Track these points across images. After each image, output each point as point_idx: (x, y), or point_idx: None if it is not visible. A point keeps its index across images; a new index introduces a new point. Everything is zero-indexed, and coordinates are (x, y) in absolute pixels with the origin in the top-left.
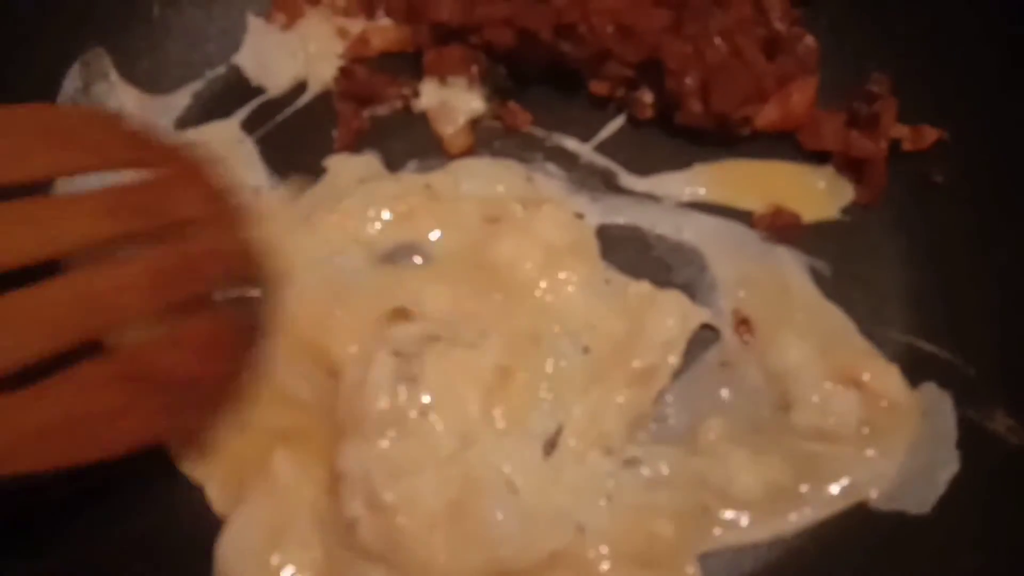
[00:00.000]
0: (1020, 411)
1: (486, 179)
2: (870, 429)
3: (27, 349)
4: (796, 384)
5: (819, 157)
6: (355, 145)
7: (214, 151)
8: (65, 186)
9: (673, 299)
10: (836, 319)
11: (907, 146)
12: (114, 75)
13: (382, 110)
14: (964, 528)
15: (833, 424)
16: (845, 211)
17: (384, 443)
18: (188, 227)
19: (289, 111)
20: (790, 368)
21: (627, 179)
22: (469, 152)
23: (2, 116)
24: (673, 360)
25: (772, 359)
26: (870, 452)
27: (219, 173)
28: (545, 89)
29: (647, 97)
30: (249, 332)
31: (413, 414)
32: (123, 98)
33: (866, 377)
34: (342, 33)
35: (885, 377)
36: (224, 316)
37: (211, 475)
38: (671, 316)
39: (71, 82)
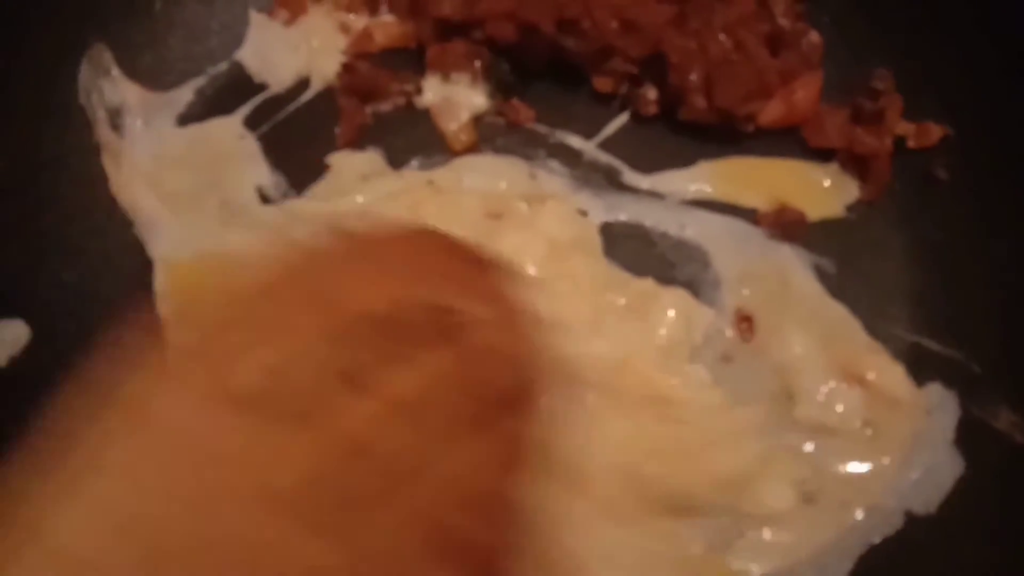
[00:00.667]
0: (1022, 406)
1: (489, 176)
2: (873, 428)
3: None
4: (799, 379)
5: (823, 154)
6: (358, 142)
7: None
8: None
9: (677, 297)
10: (840, 316)
11: (912, 143)
12: (116, 71)
13: (385, 106)
14: (971, 526)
15: (836, 421)
16: (850, 208)
17: None
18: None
19: (292, 107)
20: (793, 363)
21: (631, 176)
22: (472, 149)
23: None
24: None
25: (775, 354)
26: (874, 449)
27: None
28: (548, 85)
29: (651, 93)
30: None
31: None
32: (125, 94)
33: (871, 375)
34: (344, 29)
35: (890, 375)
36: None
37: None
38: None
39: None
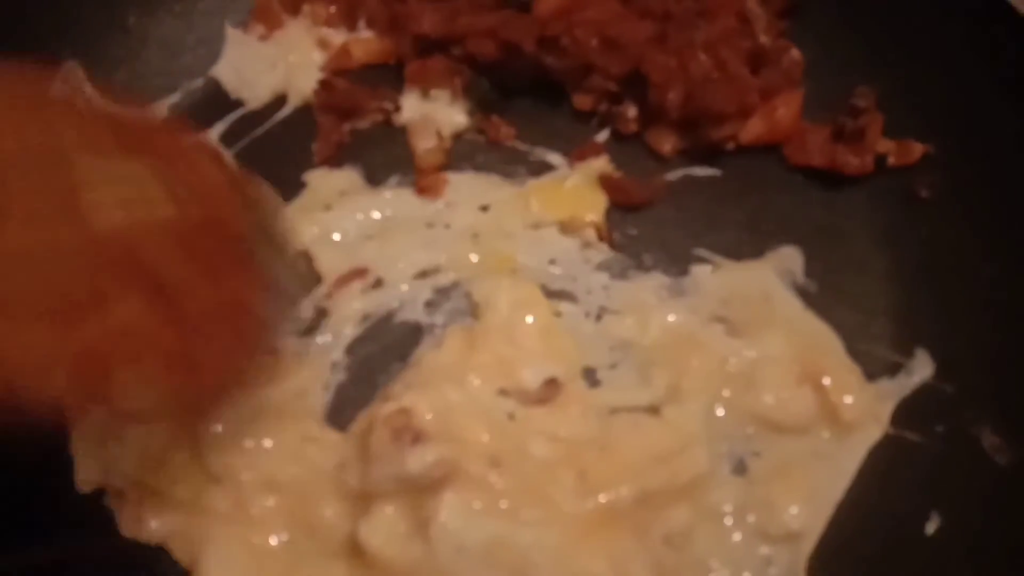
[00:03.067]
0: (1007, 429)
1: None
2: (830, 431)
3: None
4: (762, 374)
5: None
6: (335, 159)
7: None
8: None
9: None
10: (816, 328)
11: (893, 160)
12: (88, 88)
13: (363, 123)
14: (957, 547)
15: (790, 422)
16: (832, 227)
17: None
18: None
19: (268, 124)
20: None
21: None
22: (441, 169)
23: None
24: None
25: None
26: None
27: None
28: (528, 103)
29: (631, 111)
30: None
31: None
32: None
33: (826, 381)
34: (323, 44)
35: (845, 380)
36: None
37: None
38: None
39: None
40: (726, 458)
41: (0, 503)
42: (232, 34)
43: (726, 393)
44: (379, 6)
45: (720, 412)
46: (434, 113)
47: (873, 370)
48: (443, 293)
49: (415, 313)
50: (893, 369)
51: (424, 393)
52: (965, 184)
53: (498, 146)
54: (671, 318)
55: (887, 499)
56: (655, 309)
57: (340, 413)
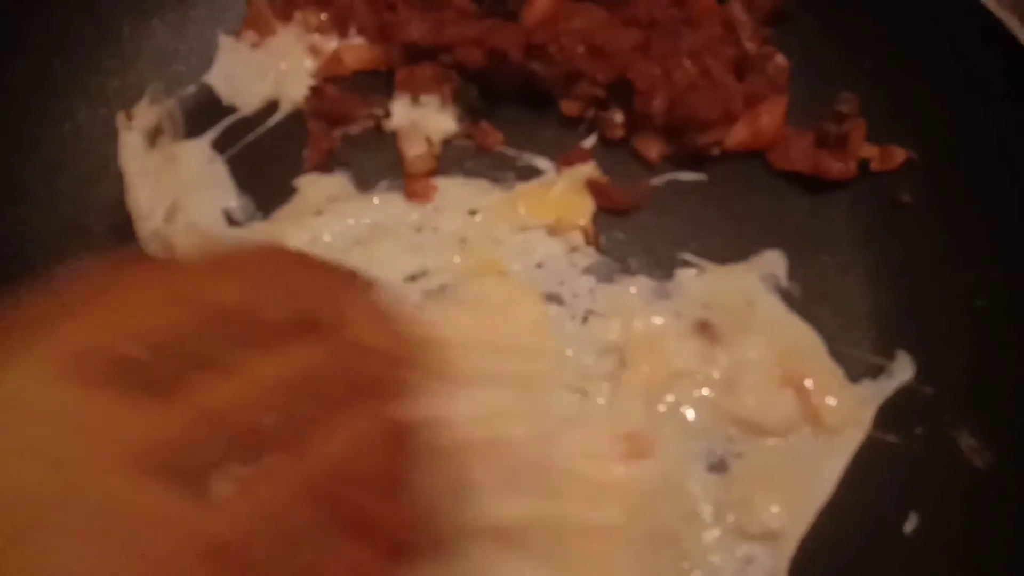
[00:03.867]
0: (984, 432)
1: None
2: (812, 433)
3: None
4: (744, 376)
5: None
6: (326, 164)
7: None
8: None
9: None
10: (799, 331)
11: (876, 166)
12: None
13: (353, 129)
14: (935, 546)
15: (772, 424)
16: (815, 231)
17: None
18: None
19: (260, 130)
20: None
21: None
22: (430, 175)
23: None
24: None
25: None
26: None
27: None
28: (516, 109)
29: (617, 117)
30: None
31: None
32: None
33: (808, 383)
34: (314, 51)
35: (827, 382)
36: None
37: None
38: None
39: None
40: (704, 457)
41: None
42: (225, 42)
43: (706, 394)
44: (369, 14)
45: (692, 414)
46: (423, 119)
47: (855, 372)
48: (432, 296)
49: None
50: (875, 371)
51: None
52: (946, 190)
53: (486, 152)
54: (656, 320)
55: (867, 499)
56: (639, 312)
57: None
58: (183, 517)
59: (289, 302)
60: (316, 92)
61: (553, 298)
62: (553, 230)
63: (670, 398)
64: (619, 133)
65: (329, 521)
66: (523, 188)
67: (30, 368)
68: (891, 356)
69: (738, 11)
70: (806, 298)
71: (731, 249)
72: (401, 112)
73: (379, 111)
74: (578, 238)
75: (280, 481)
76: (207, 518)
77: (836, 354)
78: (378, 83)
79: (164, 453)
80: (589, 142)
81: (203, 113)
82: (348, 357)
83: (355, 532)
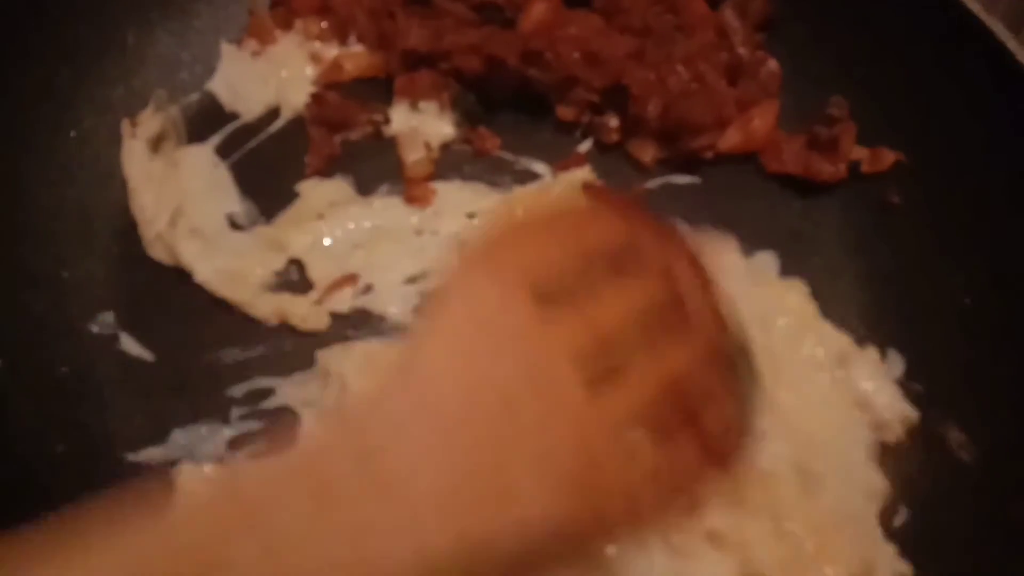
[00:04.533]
0: (972, 428)
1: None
2: None
3: None
4: None
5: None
6: (327, 170)
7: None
8: None
9: None
10: None
11: (866, 168)
12: None
13: (354, 135)
14: (924, 539)
15: None
16: (807, 233)
17: None
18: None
19: (262, 136)
20: None
21: None
22: (429, 179)
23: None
24: None
25: None
26: None
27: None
28: (513, 114)
29: (612, 122)
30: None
31: None
32: None
33: None
34: (315, 59)
35: None
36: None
37: None
38: None
39: None
40: None
41: None
42: (227, 50)
43: None
44: (369, 22)
45: None
46: (422, 125)
47: None
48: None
49: (404, 317)
50: None
51: None
52: (935, 191)
53: (484, 156)
54: None
55: None
56: None
57: None
58: (587, 405)
59: (634, 246)
60: (317, 99)
61: None
62: None
63: None
64: (614, 137)
65: (674, 418)
66: (521, 192)
67: (496, 285)
68: (881, 354)
69: (730, 17)
70: None
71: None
72: (400, 118)
73: (379, 117)
74: None
75: (647, 379)
76: (600, 407)
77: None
78: (378, 90)
79: (584, 354)
80: (585, 147)
81: (206, 120)
82: (679, 291)
83: (689, 431)
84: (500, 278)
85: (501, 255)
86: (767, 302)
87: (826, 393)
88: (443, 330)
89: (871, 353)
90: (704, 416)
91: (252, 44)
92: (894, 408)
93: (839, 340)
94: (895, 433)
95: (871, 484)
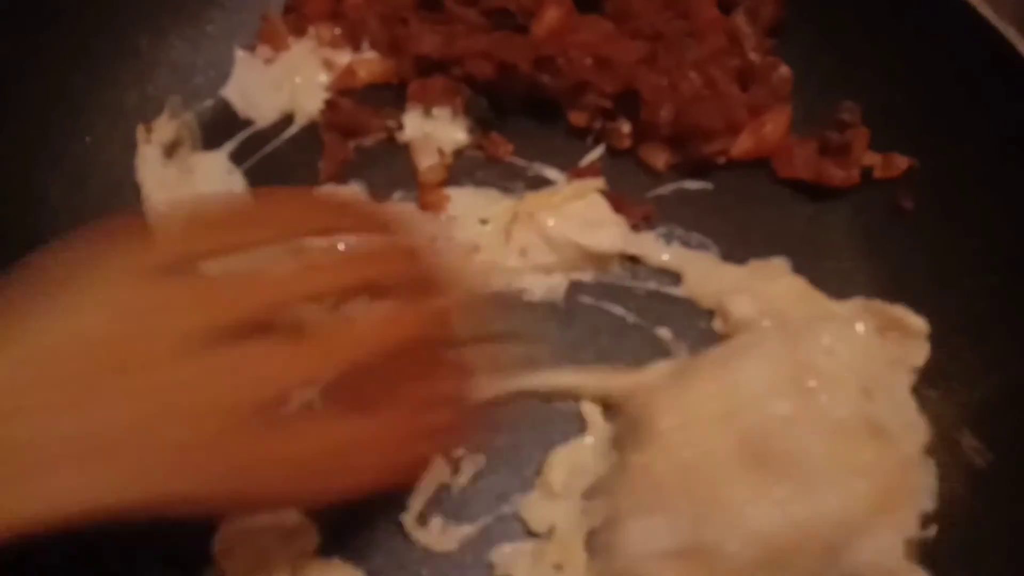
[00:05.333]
0: (984, 432)
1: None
2: None
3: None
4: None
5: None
6: (340, 176)
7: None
8: None
9: None
10: None
11: (878, 173)
12: None
13: (367, 141)
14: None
15: None
16: (819, 238)
17: None
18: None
19: (276, 143)
20: None
21: None
22: (442, 184)
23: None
24: None
25: None
26: None
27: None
28: (526, 120)
29: (625, 127)
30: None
31: None
32: None
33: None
34: (328, 65)
35: None
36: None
37: None
38: None
39: None
40: None
41: None
42: (240, 56)
43: None
44: (382, 28)
45: None
46: (435, 131)
47: None
48: None
49: None
50: None
51: None
52: (948, 196)
53: (497, 162)
54: None
55: None
56: None
57: None
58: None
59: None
60: (330, 105)
61: None
62: None
63: None
64: (626, 143)
65: (372, 389)
66: (533, 197)
67: (115, 269)
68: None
69: (742, 23)
70: None
71: (736, 256)
72: (413, 124)
73: (392, 123)
74: None
75: (319, 347)
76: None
77: None
78: (390, 96)
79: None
80: (597, 152)
81: (220, 126)
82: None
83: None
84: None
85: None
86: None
87: None
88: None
89: None
90: (414, 386)
91: (265, 50)
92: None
93: None
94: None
95: None
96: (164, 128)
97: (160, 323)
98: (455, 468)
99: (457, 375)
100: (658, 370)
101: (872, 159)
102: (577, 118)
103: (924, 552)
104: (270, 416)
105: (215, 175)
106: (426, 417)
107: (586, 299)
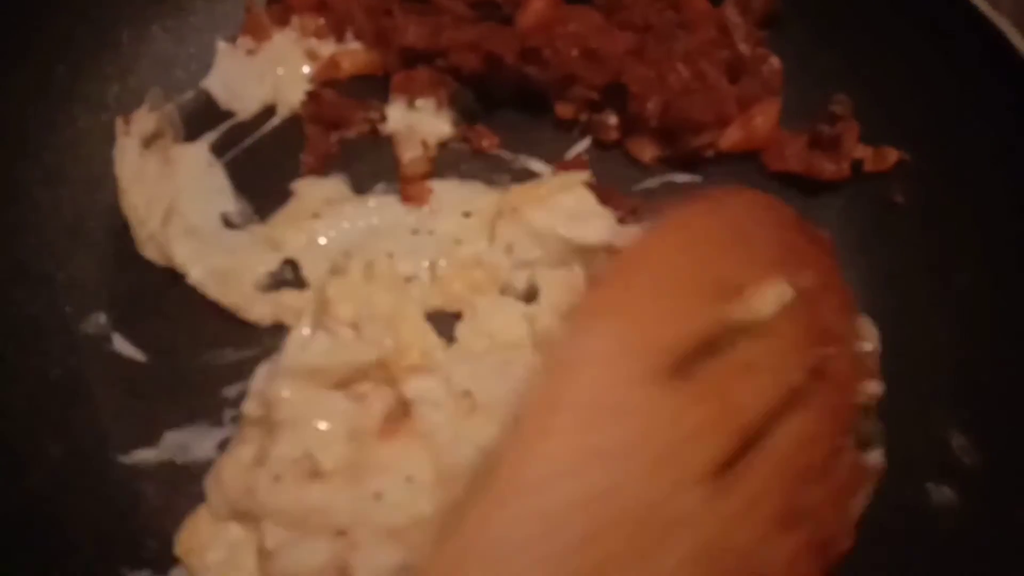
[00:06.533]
0: (973, 430)
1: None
2: None
3: None
4: None
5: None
6: (322, 168)
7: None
8: None
9: None
10: None
11: (869, 166)
12: None
13: (350, 133)
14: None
15: None
16: None
17: None
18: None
19: (258, 134)
20: None
21: None
22: (426, 178)
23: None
24: None
25: None
26: None
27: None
28: (512, 112)
29: (611, 120)
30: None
31: None
32: None
33: None
34: (311, 56)
35: None
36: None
37: None
38: None
39: None
40: None
41: None
42: (222, 48)
43: None
44: (366, 19)
45: None
46: (419, 123)
47: None
48: None
49: None
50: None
51: None
52: (939, 190)
53: (482, 154)
54: None
55: None
56: None
57: None
58: (700, 511)
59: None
60: (313, 97)
61: None
62: None
63: None
64: (613, 136)
65: (784, 512)
66: (517, 189)
67: (610, 363)
68: (883, 357)
69: (732, 14)
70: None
71: None
72: (397, 116)
73: (375, 115)
74: None
75: (761, 470)
76: (712, 511)
77: None
78: (374, 87)
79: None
80: (583, 145)
81: (201, 118)
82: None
83: (797, 526)
84: (629, 343)
85: (634, 309)
86: None
87: None
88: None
89: None
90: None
91: (248, 42)
92: None
93: None
94: None
95: None
96: (144, 120)
97: (684, 451)
98: None
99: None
100: None
101: (863, 152)
102: (564, 110)
103: (914, 551)
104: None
105: (195, 167)
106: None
107: None
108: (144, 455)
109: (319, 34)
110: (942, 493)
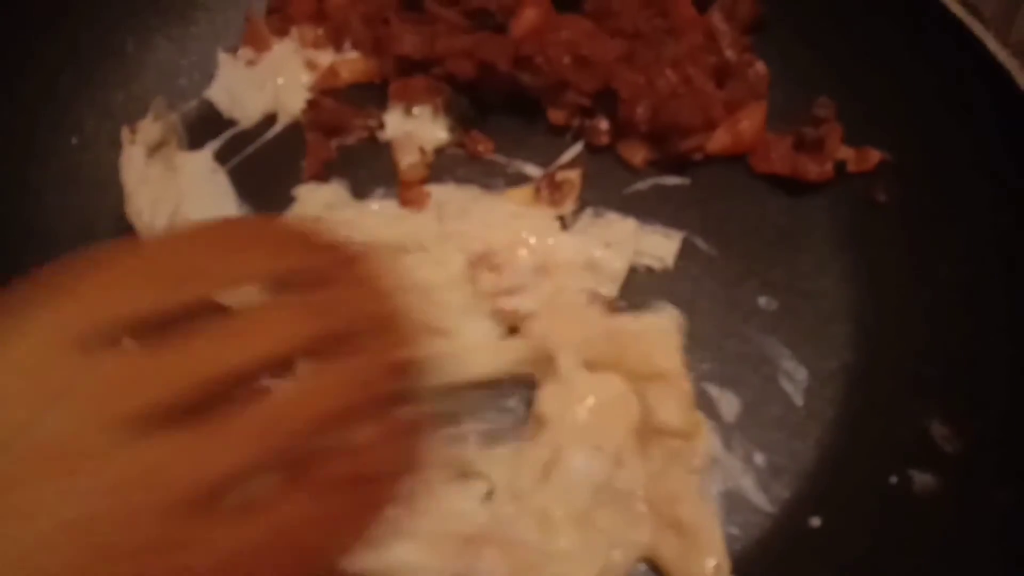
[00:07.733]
0: (954, 420)
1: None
2: None
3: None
4: None
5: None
6: (323, 174)
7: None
8: None
9: None
10: None
11: (852, 167)
12: None
13: (349, 140)
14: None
15: None
16: (794, 231)
17: None
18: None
19: (260, 142)
20: None
21: None
22: (423, 183)
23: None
24: None
25: None
26: None
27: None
28: (506, 118)
29: (603, 124)
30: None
31: None
32: None
33: None
34: (311, 65)
35: None
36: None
37: None
38: None
39: None
40: None
41: None
42: (224, 58)
43: None
44: (363, 29)
45: None
46: (416, 129)
47: (833, 365)
48: None
49: None
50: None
51: None
52: (920, 189)
53: (478, 159)
54: None
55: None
56: None
57: None
58: (162, 465)
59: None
60: (313, 105)
61: None
62: None
63: None
64: (605, 140)
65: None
66: (512, 192)
67: (31, 339)
68: (866, 351)
69: (719, 21)
70: (784, 296)
71: (713, 249)
72: (395, 123)
73: (374, 122)
74: None
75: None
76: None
77: (813, 348)
78: (372, 95)
79: (147, 409)
80: (576, 149)
81: (205, 126)
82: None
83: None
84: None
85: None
86: None
87: None
88: None
89: None
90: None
91: (248, 52)
92: None
93: None
94: None
95: None
96: (149, 129)
97: (86, 410)
98: None
99: (408, 436)
100: None
101: (846, 154)
102: (556, 116)
103: (896, 539)
104: (210, 508)
105: (200, 174)
106: (376, 486)
107: None
108: None
109: (318, 44)
110: (924, 479)
